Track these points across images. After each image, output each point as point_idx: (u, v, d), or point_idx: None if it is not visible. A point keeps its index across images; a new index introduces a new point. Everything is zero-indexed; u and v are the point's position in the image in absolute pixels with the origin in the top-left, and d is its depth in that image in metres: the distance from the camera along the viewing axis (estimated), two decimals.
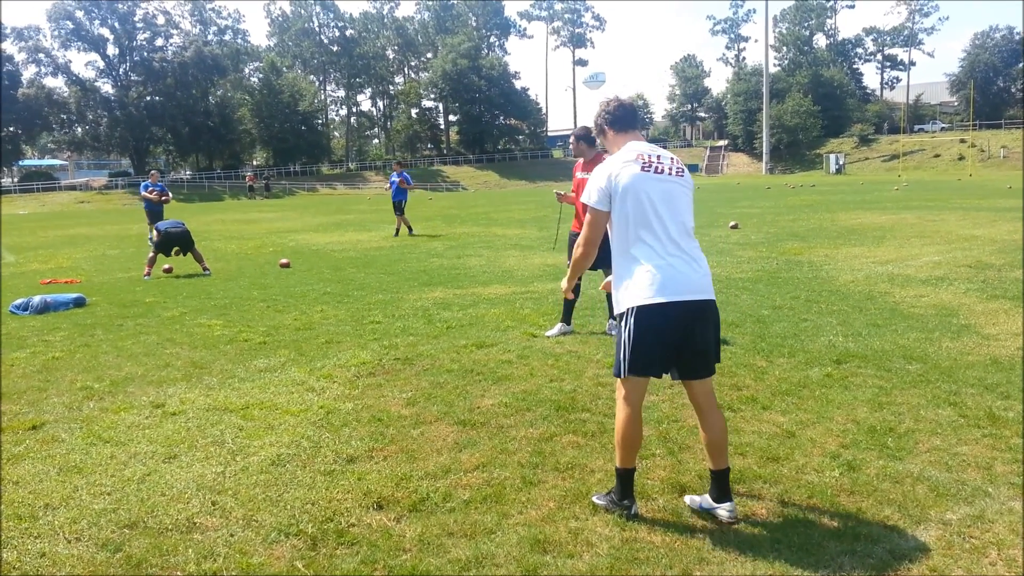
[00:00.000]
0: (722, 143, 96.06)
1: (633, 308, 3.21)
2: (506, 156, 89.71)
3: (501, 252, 14.32)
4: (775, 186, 48.39)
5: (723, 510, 3.25)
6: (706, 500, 3.33)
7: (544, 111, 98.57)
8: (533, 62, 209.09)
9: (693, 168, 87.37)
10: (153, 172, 19.82)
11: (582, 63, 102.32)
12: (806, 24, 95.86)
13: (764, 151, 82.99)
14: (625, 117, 3.51)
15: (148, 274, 12.15)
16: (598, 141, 3.65)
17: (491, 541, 3.14)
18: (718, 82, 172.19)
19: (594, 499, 3.45)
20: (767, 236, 15.42)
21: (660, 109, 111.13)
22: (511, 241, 16.48)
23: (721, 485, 3.28)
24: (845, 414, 4.51)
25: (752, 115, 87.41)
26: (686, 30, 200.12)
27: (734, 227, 17.31)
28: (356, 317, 8.16)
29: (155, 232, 15.61)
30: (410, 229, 19.04)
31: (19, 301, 9.30)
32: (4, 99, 70.30)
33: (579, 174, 6.95)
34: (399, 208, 18.90)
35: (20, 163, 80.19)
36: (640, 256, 3.23)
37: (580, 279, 7.12)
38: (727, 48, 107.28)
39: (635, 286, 3.21)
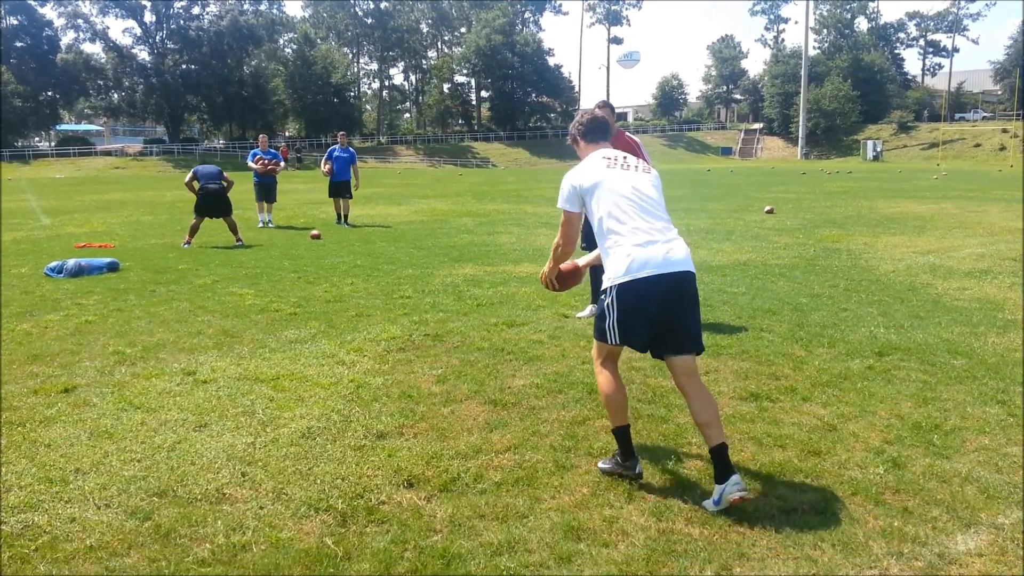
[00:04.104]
0: (757, 126, 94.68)
1: (614, 286, 3.35)
2: (537, 134, 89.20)
3: (532, 230, 14.20)
4: (810, 171, 47.66)
5: (731, 487, 3.11)
6: (716, 491, 3.18)
7: (577, 89, 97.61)
8: (567, 39, 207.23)
9: (727, 151, 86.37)
10: (262, 137, 16.26)
11: (617, 41, 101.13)
12: (847, 7, 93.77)
13: (800, 135, 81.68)
14: (597, 130, 3.75)
15: (188, 243, 12.09)
16: (579, 144, 3.84)
17: (523, 526, 3.07)
18: (755, 64, 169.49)
19: (599, 465, 3.57)
20: (803, 222, 15.13)
21: (695, 90, 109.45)
22: (541, 219, 16.34)
23: (723, 460, 3.19)
24: (888, 408, 4.36)
25: (789, 98, 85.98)
26: (724, 10, 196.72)
27: (769, 212, 17.03)
28: (386, 291, 8.12)
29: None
30: (345, 218, 15.70)
31: (54, 264, 9.38)
32: (43, 64, 71.25)
33: None
34: (347, 189, 15.60)
35: (57, 127, 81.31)
36: (617, 241, 3.38)
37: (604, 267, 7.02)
38: (766, 29, 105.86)
39: (614, 267, 3.36)
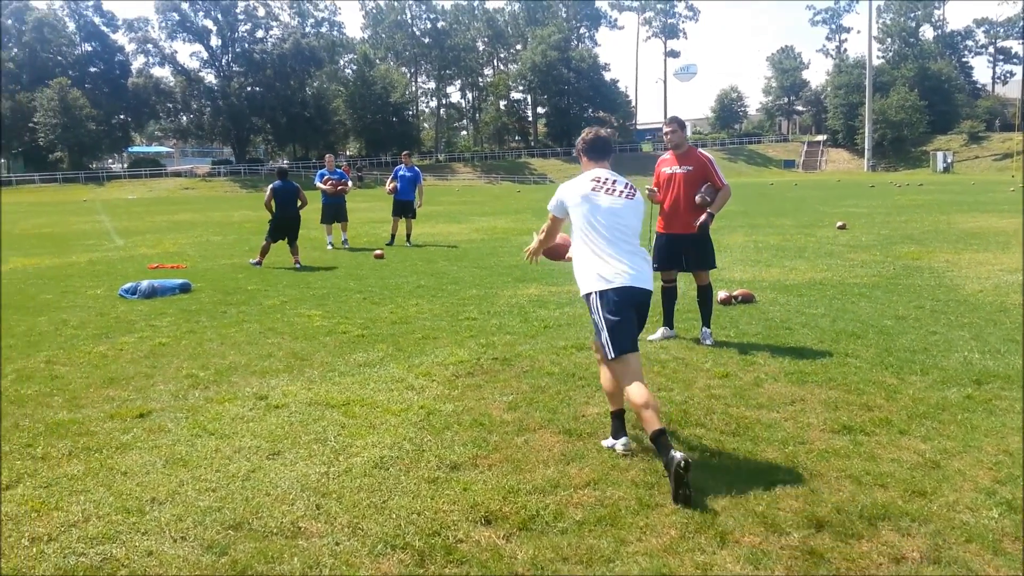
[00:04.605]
0: (820, 138, 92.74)
1: (596, 293, 3.85)
2: None
3: None
4: (879, 184, 46.32)
5: (619, 445, 4.01)
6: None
7: (633, 104, 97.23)
8: (623, 53, 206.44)
9: (790, 164, 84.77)
10: (328, 156, 15.94)
11: (674, 54, 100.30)
12: (912, 15, 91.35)
13: (866, 147, 79.69)
14: (599, 148, 4.19)
15: (259, 263, 12.17)
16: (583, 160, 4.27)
17: (610, 570, 2.91)
18: (817, 74, 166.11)
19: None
20: (879, 238, 14.60)
21: (755, 102, 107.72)
22: None
23: (620, 422, 4.12)
24: (995, 443, 4.06)
25: (854, 109, 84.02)
26: (784, 20, 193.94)
27: (842, 227, 16.49)
28: (451, 312, 8.05)
29: (330, 226, 15.28)
30: (407, 237, 15.73)
31: (128, 285, 9.59)
32: (115, 88, 74.26)
33: (666, 169, 6.57)
34: (410, 209, 15.62)
35: (129, 149, 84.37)
36: (592, 253, 3.90)
37: (675, 281, 6.78)
38: (827, 39, 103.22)
39: (593, 276, 3.88)
